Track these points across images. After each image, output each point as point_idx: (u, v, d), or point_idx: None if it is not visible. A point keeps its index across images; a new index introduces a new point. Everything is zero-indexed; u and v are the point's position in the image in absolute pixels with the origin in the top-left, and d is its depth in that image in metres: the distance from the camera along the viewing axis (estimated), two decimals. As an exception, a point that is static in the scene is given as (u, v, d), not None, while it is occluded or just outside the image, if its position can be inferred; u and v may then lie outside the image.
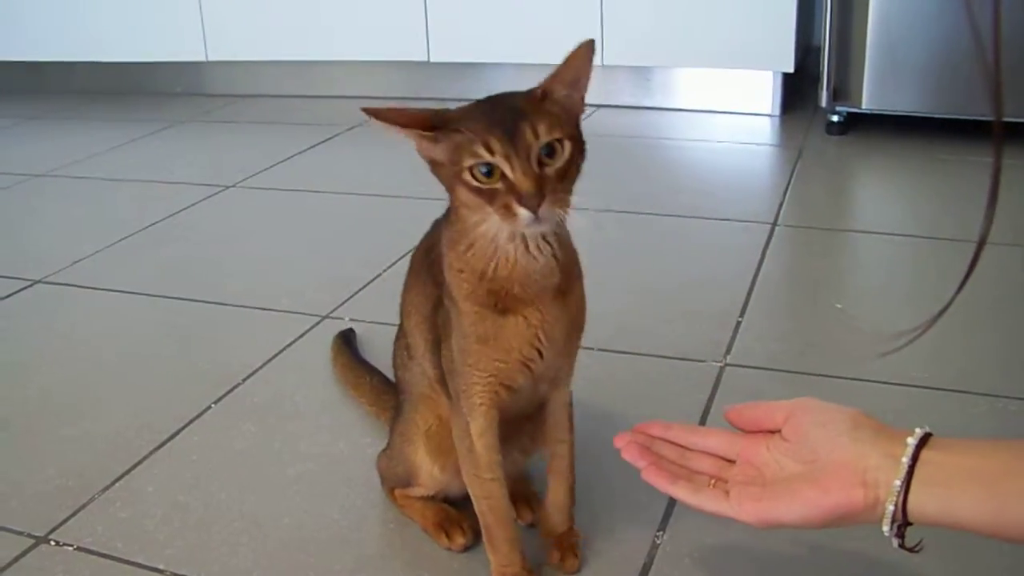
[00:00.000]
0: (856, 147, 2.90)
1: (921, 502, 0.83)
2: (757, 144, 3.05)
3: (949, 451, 0.84)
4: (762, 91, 3.25)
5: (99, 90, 4.19)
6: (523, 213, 0.91)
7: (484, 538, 1.16)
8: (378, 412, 1.50)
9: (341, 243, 2.34)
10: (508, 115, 0.94)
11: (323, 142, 3.24)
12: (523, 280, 1.01)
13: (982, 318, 1.79)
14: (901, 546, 0.87)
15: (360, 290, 2.00)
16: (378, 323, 1.80)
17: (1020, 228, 2.16)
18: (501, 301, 1.02)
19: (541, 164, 0.93)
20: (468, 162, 0.93)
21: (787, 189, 2.53)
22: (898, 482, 0.84)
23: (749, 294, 1.90)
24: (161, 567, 1.23)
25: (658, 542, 1.22)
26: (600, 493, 1.32)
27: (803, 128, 3.09)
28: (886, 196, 2.67)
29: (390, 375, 1.39)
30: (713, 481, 0.98)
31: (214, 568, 1.22)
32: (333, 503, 1.34)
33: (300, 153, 3.13)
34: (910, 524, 0.86)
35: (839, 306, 1.87)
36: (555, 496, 1.20)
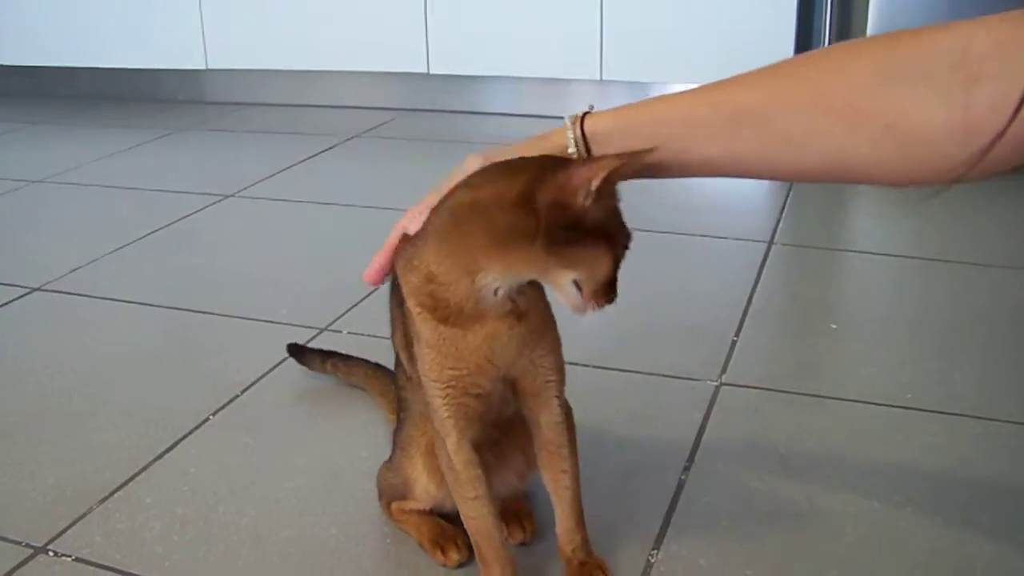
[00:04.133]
0: (852, 166, 2.90)
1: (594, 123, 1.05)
2: (754, 161, 3.05)
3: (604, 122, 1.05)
4: (760, 108, 3.26)
5: (99, 96, 4.20)
6: (590, 313, 1.00)
7: (476, 555, 1.16)
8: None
9: (340, 254, 2.35)
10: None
11: (323, 152, 3.26)
12: (475, 301, 1.01)
13: (973, 340, 1.81)
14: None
15: (359, 302, 2.01)
16: (376, 336, 1.81)
17: (1017, 249, 2.17)
18: (447, 313, 1.01)
19: None
20: (602, 273, 1.01)
21: (784, 207, 2.54)
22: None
23: (745, 313, 1.91)
24: (159, 579, 1.24)
25: (652, 560, 1.23)
26: (594, 512, 1.32)
27: (800, 146, 3.09)
28: (883, 216, 2.68)
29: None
30: None
31: (212, 581, 1.23)
32: (331, 517, 1.35)
33: (300, 163, 3.14)
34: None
35: (834, 326, 1.88)
36: (564, 526, 1.19)
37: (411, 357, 1.11)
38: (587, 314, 0.98)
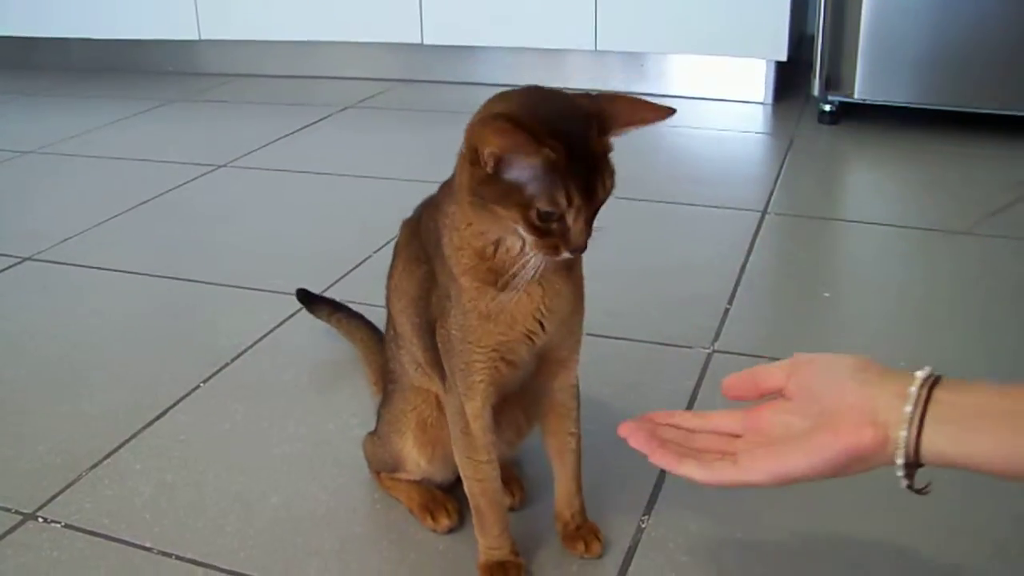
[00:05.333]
0: (847, 137, 2.91)
1: (933, 440, 0.80)
2: (749, 132, 3.05)
3: (960, 391, 0.82)
4: (755, 79, 3.26)
5: (92, 67, 4.18)
6: (566, 255, 0.94)
7: (474, 520, 1.16)
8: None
9: (332, 224, 2.34)
10: (587, 159, 0.92)
11: (316, 122, 3.24)
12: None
13: (965, 308, 1.80)
14: (910, 487, 0.84)
15: (351, 271, 2.01)
16: (369, 304, 1.80)
17: (1008, 219, 2.17)
18: (503, 280, 1.01)
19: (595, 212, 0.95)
20: (542, 205, 0.91)
21: (778, 177, 2.53)
22: (908, 415, 0.81)
23: (738, 281, 1.90)
24: (148, 545, 1.23)
25: (643, 526, 1.23)
26: (586, 478, 1.32)
27: (795, 117, 3.09)
28: (876, 186, 2.67)
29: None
30: (721, 456, 0.94)
31: (201, 547, 1.23)
32: (320, 483, 1.35)
33: (293, 133, 3.12)
34: (921, 465, 0.83)
35: (827, 295, 1.88)
36: (567, 489, 1.19)
37: (419, 325, 1.12)
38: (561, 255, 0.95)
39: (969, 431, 0.80)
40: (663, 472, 1.32)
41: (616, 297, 1.83)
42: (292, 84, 3.80)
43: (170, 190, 2.60)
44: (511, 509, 1.25)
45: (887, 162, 2.77)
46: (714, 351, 1.64)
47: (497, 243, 1.00)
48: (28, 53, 4.30)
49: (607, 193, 0.94)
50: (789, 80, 3.31)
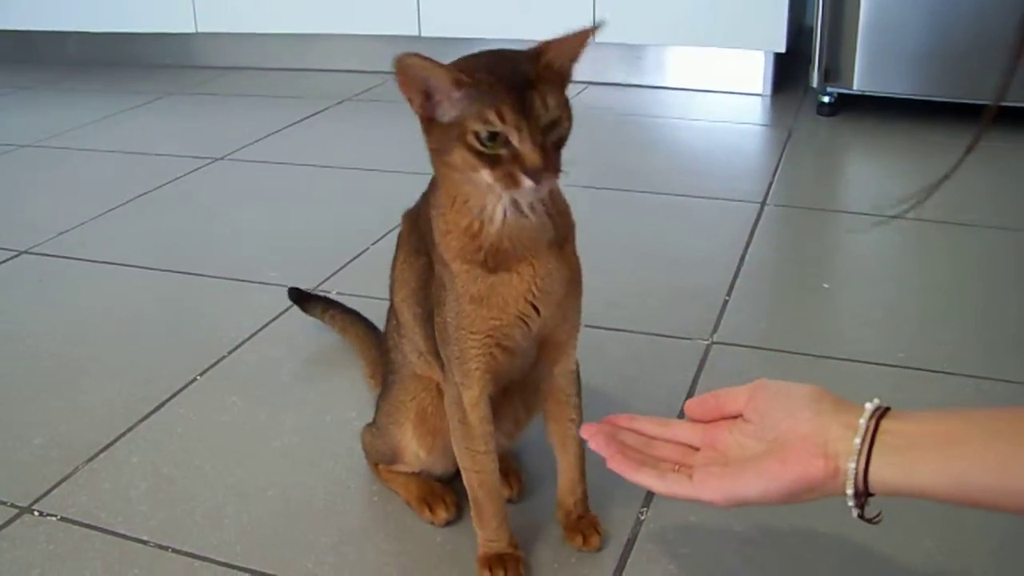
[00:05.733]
0: (846, 128, 2.90)
1: (881, 470, 0.82)
2: (747, 124, 3.05)
3: (907, 420, 0.84)
4: (753, 71, 3.25)
5: (89, 61, 4.16)
6: (528, 184, 0.91)
7: (472, 512, 1.15)
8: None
9: (329, 216, 2.33)
10: (517, 78, 0.92)
11: (313, 115, 3.23)
12: (512, 236, 1.00)
13: (968, 299, 1.80)
14: (861, 516, 0.86)
15: (348, 263, 2.00)
16: (366, 296, 1.80)
17: (1009, 211, 2.16)
18: (491, 258, 1.01)
19: (543, 131, 0.92)
20: (475, 127, 0.91)
21: (777, 169, 2.53)
22: (857, 447, 0.83)
23: (737, 273, 1.90)
24: (145, 538, 1.23)
25: (642, 518, 1.23)
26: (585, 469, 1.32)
27: (794, 109, 3.08)
28: (875, 177, 2.67)
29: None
30: (677, 467, 0.97)
31: (198, 540, 1.22)
32: (318, 476, 1.34)
33: (290, 126, 3.11)
34: (871, 495, 0.85)
35: (826, 286, 1.87)
36: (569, 477, 1.19)
37: (420, 315, 1.11)
38: (530, 191, 0.93)
39: (913, 461, 0.81)
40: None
41: (615, 289, 1.82)
42: (289, 77, 3.79)
43: (167, 183, 2.59)
44: (510, 501, 1.25)
45: (886, 153, 2.77)
46: (713, 342, 1.64)
47: (481, 219, 0.99)
48: (25, 47, 4.28)
49: (551, 112, 0.92)
50: (788, 72, 3.30)
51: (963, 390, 1.48)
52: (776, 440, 0.89)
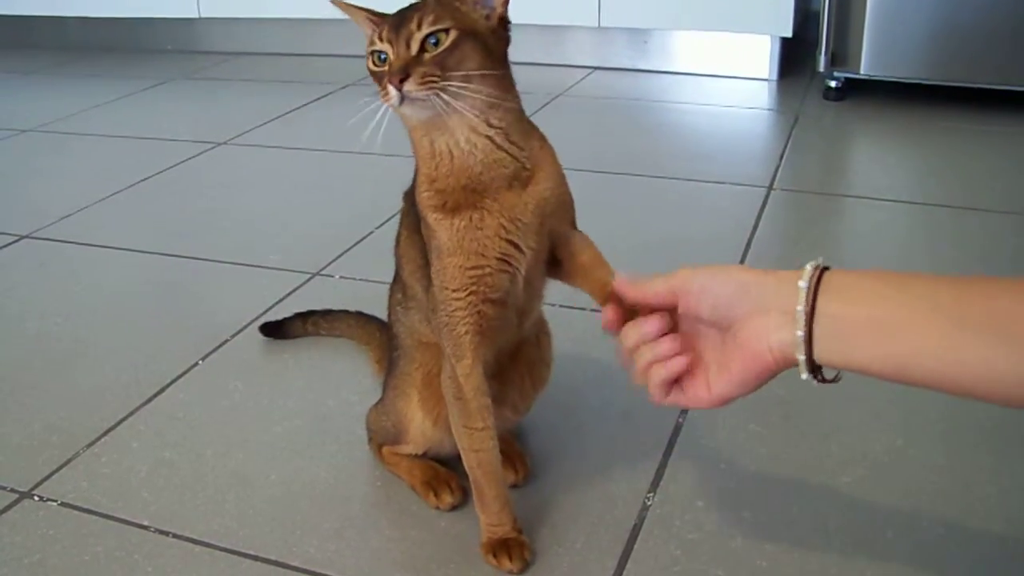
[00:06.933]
0: (853, 113, 2.88)
1: (825, 355, 0.84)
2: (754, 108, 3.03)
3: (845, 300, 0.83)
4: (760, 55, 3.23)
5: (90, 46, 4.15)
6: (391, 90, 0.97)
7: (474, 496, 1.14)
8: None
9: (332, 201, 2.32)
10: (409, 10, 1.01)
11: (317, 100, 3.21)
12: (468, 173, 1.02)
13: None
14: (821, 381, 0.87)
15: (351, 247, 1.98)
16: (369, 280, 1.79)
17: (1015, 196, 2.15)
18: (453, 199, 1.03)
19: (424, 50, 0.98)
20: (368, 48, 1.02)
21: (783, 154, 2.51)
22: (800, 338, 0.84)
23: (743, 257, 1.88)
24: (146, 523, 1.22)
25: (648, 503, 1.21)
26: (591, 454, 1.31)
27: (800, 93, 3.06)
28: (882, 162, 2.65)
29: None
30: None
31: (199, 525, 1.21)
32: (320, 461, 1.33)
33: (292, 111, 3.10)
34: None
35: (834, 271, 1.85)
36: (591, 254, 1.13)
37: (427, 287, 1.10)
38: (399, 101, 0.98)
39: (853, 349, 0.83)
40: (669, 449, 1.31)
41: (622, 273, 1.80)
42: (292, 62, 3.78)
43: (170, 168, 2.58)
44: (514, 486, 1.23)
45: (893, 138, 2.75)
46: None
47: (436, 162, 1.03)
48: (26, 32, 4.27)
49: (422, 27, 0.98)
50: (794, 56, 3.27)
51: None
52: (732, 332, 0.90)
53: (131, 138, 2.92)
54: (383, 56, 1.00)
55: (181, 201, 2.37)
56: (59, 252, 2.08)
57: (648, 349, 0.96)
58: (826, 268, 0.85)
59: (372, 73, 1.02)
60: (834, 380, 0.88)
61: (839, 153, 2.71)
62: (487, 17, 1.02)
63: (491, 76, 1.00)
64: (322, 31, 3.80)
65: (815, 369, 0.85)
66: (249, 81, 3.59)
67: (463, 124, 1.00)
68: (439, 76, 0.97)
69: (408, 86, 0.96)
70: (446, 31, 0.98)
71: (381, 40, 1.00)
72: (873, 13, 2.75)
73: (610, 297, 1.03)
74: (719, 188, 2.29)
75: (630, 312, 1.01)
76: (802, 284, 0.84)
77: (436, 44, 0.97)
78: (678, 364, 0.94)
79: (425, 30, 0.97)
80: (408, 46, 0.98)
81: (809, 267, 0.85)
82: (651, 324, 0.96)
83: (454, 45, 0.98)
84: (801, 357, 0.84)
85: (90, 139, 2.93)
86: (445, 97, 0.97)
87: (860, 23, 2.78)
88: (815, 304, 0.83)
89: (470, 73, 0.98)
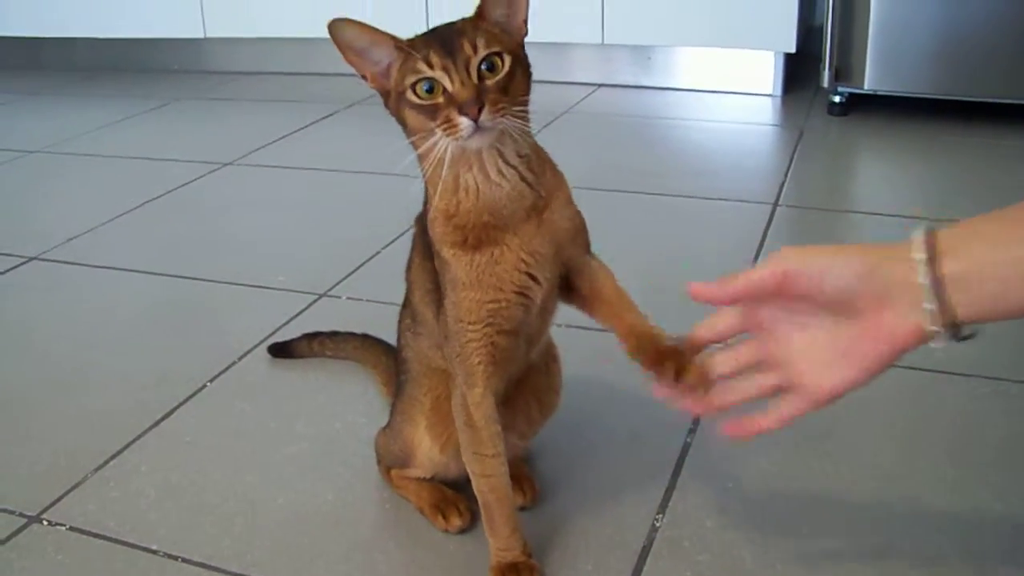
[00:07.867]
0: (858, 128, 2.88)
1: (964, 314, 0.84)
2: (758, 124, 3.03)
3: (963, 257, 0.85)
4: (763, 71, 3.23)
5: (98, 67, 4.17)
6: (463, 122, 0.92)
7: (483, 520, 1.14)
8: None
9: (339, 221, 2.32)
10: (448, 34, 0.96)
11: (323, 119, 3.22)
12: (491, 209, 1.00)
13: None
14: (961, 339, 0.86)
15: (358, 268, 1.99)
16: (376, 301, 1.79)
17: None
18: (473, 236, 1.01)
19: (481, 78, 0.94)
20: (411, 79, 0.95)
21: (788, 170, 2.51)
22: (931, 311, 0.83)
23: (750, 275, 1.88)
24: (154, 547, 1.22)
25: (657, 525, 1.21)
26: (598, 477, 1.31)
27: (804, 109, 3.07)
28: (887, 177, 2.65)
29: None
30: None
31: (207, 549, 1.21)
32: (328, 483, 1.33)
33: (299, 131, 3.11)
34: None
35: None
36: (631, 315, 1.15)
37: (438, 313, 1.09)
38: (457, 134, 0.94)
39: (994, 295, 0.84)
40: (678, 468, 1.31)
41: (626, 290, 1.80)
42: (298, 81, 3.78)
43: (176, 188, 2.59)
44: (522, 508, 1.23)
45: (897, 153, 2.75)
46: (727, 345, 1.62)
47: (457, 198, 1.00)
48: (34, 53, 4.29)
49: (480, 53, 0.94)
50: (798, 72, 3.28)
51: (981, 391, 1.46)
52: (857, 314, 0.88)
53: (138, 159, 2.92)
54: (429, 87, 0.94)
55: (188, 222, 2.38)
56: (66, 274, 2.08)
57: (751, 384, 0.99)
58: (932, 231, 0.86)
59: (419, 107, 0.95)
60: (971, 336, 0.87)
61: (844, 168, 2.71)
62: (517, 41, 1.00)
63: (527, 101, 0.99)
64: (328, 51, 3.76)
65: (955, 333, 0.84)
66: (255, 101, 3.60)
67: (494, 155, 0.98)
68: (508, 103, 0.94)
69: (484, 116, 0.92)
70: (500, 55, 0.95)
71: (432, 67, 0.94)
72: (877, 28, 2.75)
73: (658, 357, 1.07)
74: (724, 205, 2.29)
75: (677, 371, 1.06)
76: (917, 255, 0.85)
77: (491, 69, 0.94)
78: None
79: (482, 54, 0.94)
80: (469, 73, 0.94)
81: (920, 235, 0.86)
82: (724, 322, 1.01)
83: (512, 70, 0.96)
84: (937, 328, 0.83)
85: (97, 160, 2.94)
86: (508, 124, 0.95)
87: (864, 38, 2.78)
88: (940, 271, 0.84)
89: (523, 99, 0.97)
